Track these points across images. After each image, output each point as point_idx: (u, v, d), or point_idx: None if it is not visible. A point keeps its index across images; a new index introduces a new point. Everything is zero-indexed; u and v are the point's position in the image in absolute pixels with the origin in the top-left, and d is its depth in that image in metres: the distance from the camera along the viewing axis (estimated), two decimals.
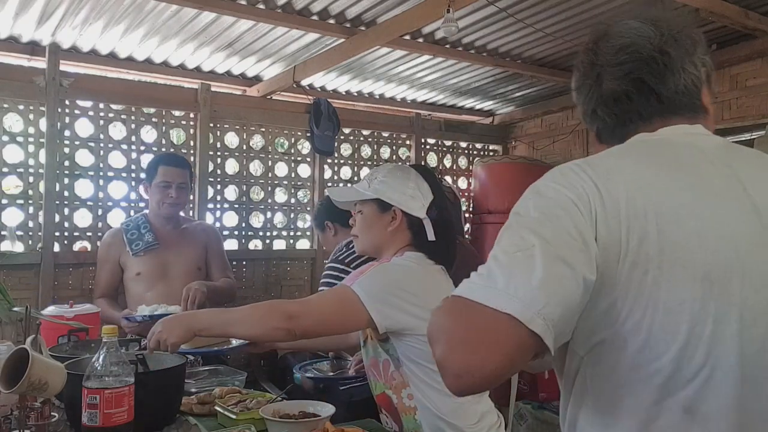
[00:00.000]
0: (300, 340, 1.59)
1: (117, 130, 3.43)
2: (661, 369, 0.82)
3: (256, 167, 3.92)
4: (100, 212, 3.36)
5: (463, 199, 4.75)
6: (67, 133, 3.26)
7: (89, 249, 3.31)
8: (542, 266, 0.78)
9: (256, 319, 1.58)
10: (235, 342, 1.85)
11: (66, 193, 3.26)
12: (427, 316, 1.55)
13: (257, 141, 3.95)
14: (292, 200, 4.07)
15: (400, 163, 3.93)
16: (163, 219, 2.93)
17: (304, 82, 3.89)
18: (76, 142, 3.29)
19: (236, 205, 3.84)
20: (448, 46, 3.53)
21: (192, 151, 3.65)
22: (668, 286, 0.82)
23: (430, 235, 1.69)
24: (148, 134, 3.55)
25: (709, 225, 0.84)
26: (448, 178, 4.76)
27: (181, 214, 3.09)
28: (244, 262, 3.82)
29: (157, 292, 2.76)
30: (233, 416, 1.59)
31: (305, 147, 4.11)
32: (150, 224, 2.91)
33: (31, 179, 3.16)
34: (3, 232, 3.08)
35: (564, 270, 0.78)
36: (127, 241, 2.86)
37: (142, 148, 3.49)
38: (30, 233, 3.16)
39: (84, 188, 3.33)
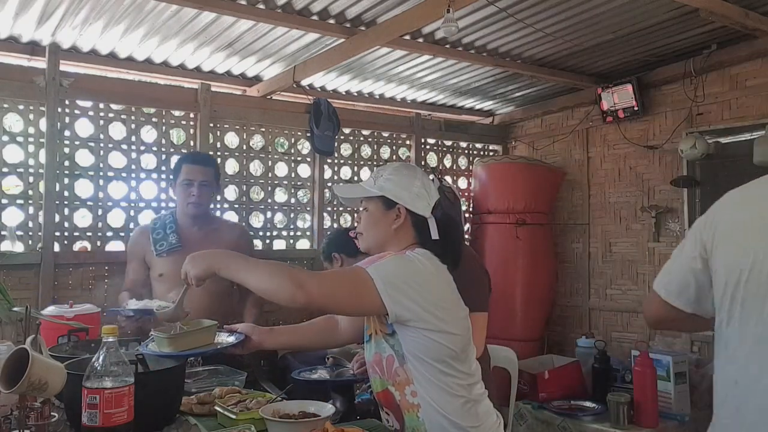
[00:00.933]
0: (303, 306, 1.57)
1: (117, 130, 3.43)
2: (712, 312, 1.43)
3: (256, 167, 3.92)
4: (100, 212, 3.36)
5: (463, 199, 4.75)
6: (67, 133, 3.26)
7: (89, 249, 3.31)
8: (671, 262, 1.52)
9: (270, 275, 1.59)
10: (219, 345, 1.85)
11: (66, 193, 3.26)
12: (434, 310, 1.57)
13: (257, 141, 3.95)
14: (292, 200, 4.07)
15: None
16: (189, 219, 2.91)
17: (304, 82, 3.89)
18: (76, 142, 3.29)
19: (236, 205, 3.83)
20: (448, 46, 3.53)
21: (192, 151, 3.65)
22: (717, 268, 1.40)
23: (434, 234, 1.70)
24: (148, 134, 3.55)
25: (748, 238, 1.34)
26: (448, 178, 4.75)
27: (215, 214, 3.06)
28: None
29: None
30: (233, 416, 1.59)
31: (305, 147, 4.11)
32: (176, 224, 2.90)
33: (31, 179, 3.16)
34: (3, 232, 3.08)
35: (680, 262, 1.49)
36: (152, 241, 2.87)
37: (142, 148, 3.49)
38: (30, 233, 3.16)
39: (84, 188, 3.32)
